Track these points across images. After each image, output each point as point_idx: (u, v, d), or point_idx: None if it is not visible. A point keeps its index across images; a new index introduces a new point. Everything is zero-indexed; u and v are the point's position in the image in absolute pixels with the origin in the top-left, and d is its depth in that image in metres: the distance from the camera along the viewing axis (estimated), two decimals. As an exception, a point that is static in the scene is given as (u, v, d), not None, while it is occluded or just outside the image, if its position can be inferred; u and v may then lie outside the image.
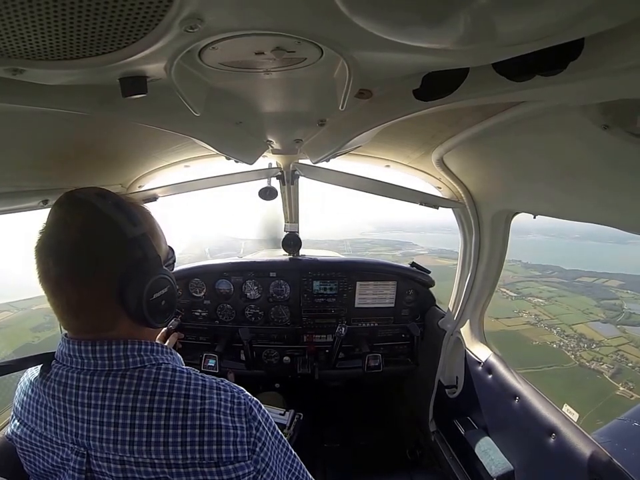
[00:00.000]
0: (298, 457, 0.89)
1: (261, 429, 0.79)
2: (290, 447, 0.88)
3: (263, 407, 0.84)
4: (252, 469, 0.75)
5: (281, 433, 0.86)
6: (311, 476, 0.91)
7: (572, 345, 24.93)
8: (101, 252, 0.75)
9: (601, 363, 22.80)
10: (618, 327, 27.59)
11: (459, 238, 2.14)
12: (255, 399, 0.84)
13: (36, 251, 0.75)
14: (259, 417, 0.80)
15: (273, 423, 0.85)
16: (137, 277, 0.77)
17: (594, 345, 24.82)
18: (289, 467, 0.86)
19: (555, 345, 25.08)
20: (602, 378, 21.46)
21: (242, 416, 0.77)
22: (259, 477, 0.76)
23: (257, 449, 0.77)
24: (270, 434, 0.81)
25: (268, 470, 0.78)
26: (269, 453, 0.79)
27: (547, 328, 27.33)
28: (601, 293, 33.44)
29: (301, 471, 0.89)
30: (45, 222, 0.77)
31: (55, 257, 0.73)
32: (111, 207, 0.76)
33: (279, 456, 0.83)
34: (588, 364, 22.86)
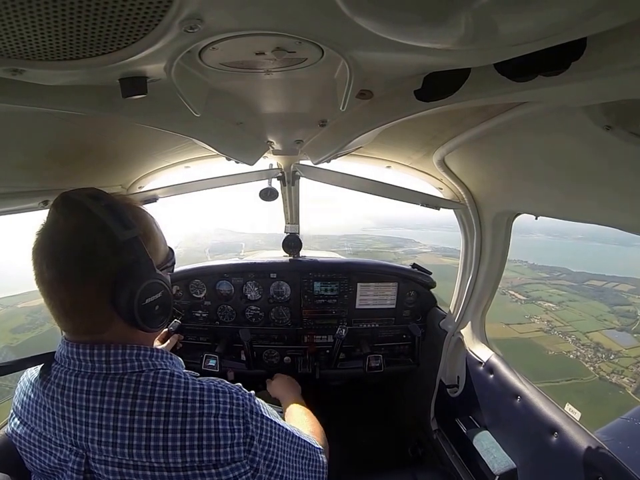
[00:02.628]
0: (303, 439, 0.93)
1: (259, 426, 0.81)
2: (294, 433, 0.91)
3: (260, 402, 0.86)
4: (248, 467, 0.77)
5: (281, 421, 0.89)
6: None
7: (589, 356, 23.88)
8: (92, 255, 0.74)
9: (622, 376, 21.78)
10: (635, 335, 26.74)
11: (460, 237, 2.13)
12: (251, 394, 0.85)
13: (32, 253, 0.76)
14: (257, 417, 0.82)
15: (272, 416, 0.87)
16: (129, 281, 0.76)
17: (612, 356, 23.88)
18: (295, 452, 0.90)
19: (571, 356, 24.12)
20: (625, 393, 20.50)
21: (240, 417, 0.78)
22: (257, 475, 0.79)
23: (252, 449, 0.78)
24: (270, 429, 0.83)
25: (267, 462, 0.81)
26: (266, 447, 0.81)
27: (561, 336, 26.50)
28: (613, 298, 32.75)
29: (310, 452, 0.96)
30: (42, 223, 0.78)
31: (49, 260, 0.74)
32: (103, 209, 0.76)
33: (285, 446, 0.86)
34: (608, 377, 21.85)
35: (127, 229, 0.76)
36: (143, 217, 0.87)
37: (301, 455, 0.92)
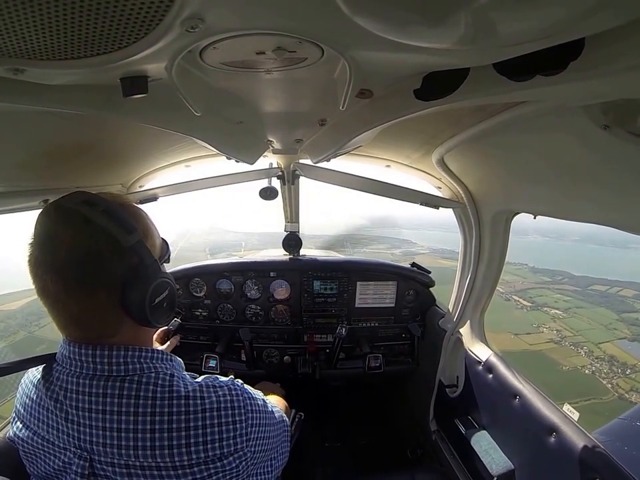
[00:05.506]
0: (274, 408, 0.99)
1: (255, 415, 0.85)
2: (270, 407, 0.95)
3: (251, 390, 0.90)
4: (248, 456, 0.82)
5: (263, 398, 0.94)
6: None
7: (605, 371, 22.73)
8: (98, 265, 0.73)
9: (641, 394, 20.54)
10: (647, 346, 25.70)
11: (459, 237, 2.14)
12: (241, 382, 0.89)
13: (30, 266, 0.74)
14: (252, 400, 0.86)
15: (259, 399, 0.90)
16: (137, 285, 0.76)
17: (628, 370, 22.77)
18: (272, 424, 0.94)
19: (587, 371, 22.89)
20: (647, 415, 19.52)
21: (241, 407, 0.81)
22: (254, 456, 0.84)
23: (252, 436, 0.83)
24: (261, 414, 0.88)
25: (259, 441, 0.85)
26: (260, 428, 0.86)
27: (572, 347, 25.51)
28: (619, 304, 32.09)
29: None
30: (33, 233, 0.75)
31: (52, 274, 0.72)
32: (101, 215, 0.73)
33: (267, 419, 0.91)
34: (627, 395, 20.64)
35: (129, 233, 0.75)
36: (139, 215, 0.86)
37: (275, 422, 0.96)
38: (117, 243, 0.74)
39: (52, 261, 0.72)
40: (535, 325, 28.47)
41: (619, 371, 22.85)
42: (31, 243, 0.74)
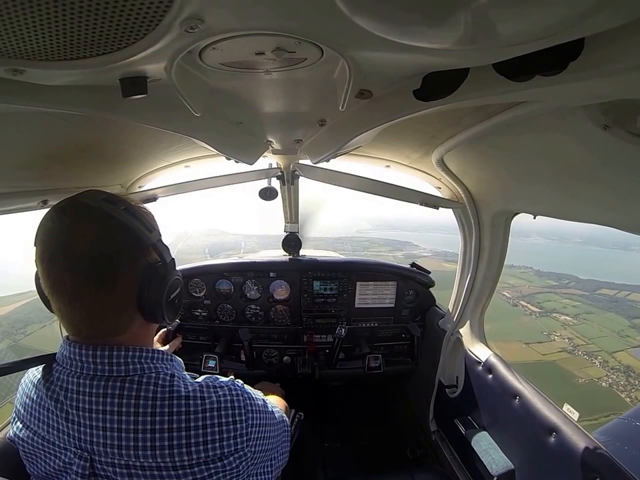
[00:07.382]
0: (274, 408, 0.98)
1: (255, 415, 0.85)
2: (269, 406, 0.95)
3: (251, 390, 0.90)
4: (249, 456, 0.82)
5: (263, 398, 0.94)
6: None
7: (622, 382, 21.96)
8: (120, 262, 0.74)
9: (662, 408, 20.07)
10: (662, 354, 24.97)
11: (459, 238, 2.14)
12: (243, 384, 0.89)
13: (42, 262, 0.73)
14: (252, 401, 0.86)
15: (259, 400, 0.90)
16: (157, 282, 0.79)
17: None
18: (273, 424, 0.94)
19: (604, 384, 22.00)
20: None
21: (241, 407, 0.81)
22: (254, 457, 0.84)
23: (253, 436, 0.83)
24: (262, 414, 0.88)
25: (259, 441, 0.85)
26: (260, 427, 0.86)
27: (586, 357, 24.75)
28: (629, 309, 31.53)
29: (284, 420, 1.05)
30: (44, 229, 0.74)
31: (72, 271, 0.71)
32: (123, 213, 0.75)
33: (267, 419, 0.91)
34: None
35: (150, 231, 0.78)
36: (151, 215, 0.89)
37: (275, 422, 0.96)
38: (141, 241, 0.76)
39: (72, 257, 0.71)
40: (546, 332, 27.86)
41: (637, 382, 22.25)
42: (42, 240, 0.74)
